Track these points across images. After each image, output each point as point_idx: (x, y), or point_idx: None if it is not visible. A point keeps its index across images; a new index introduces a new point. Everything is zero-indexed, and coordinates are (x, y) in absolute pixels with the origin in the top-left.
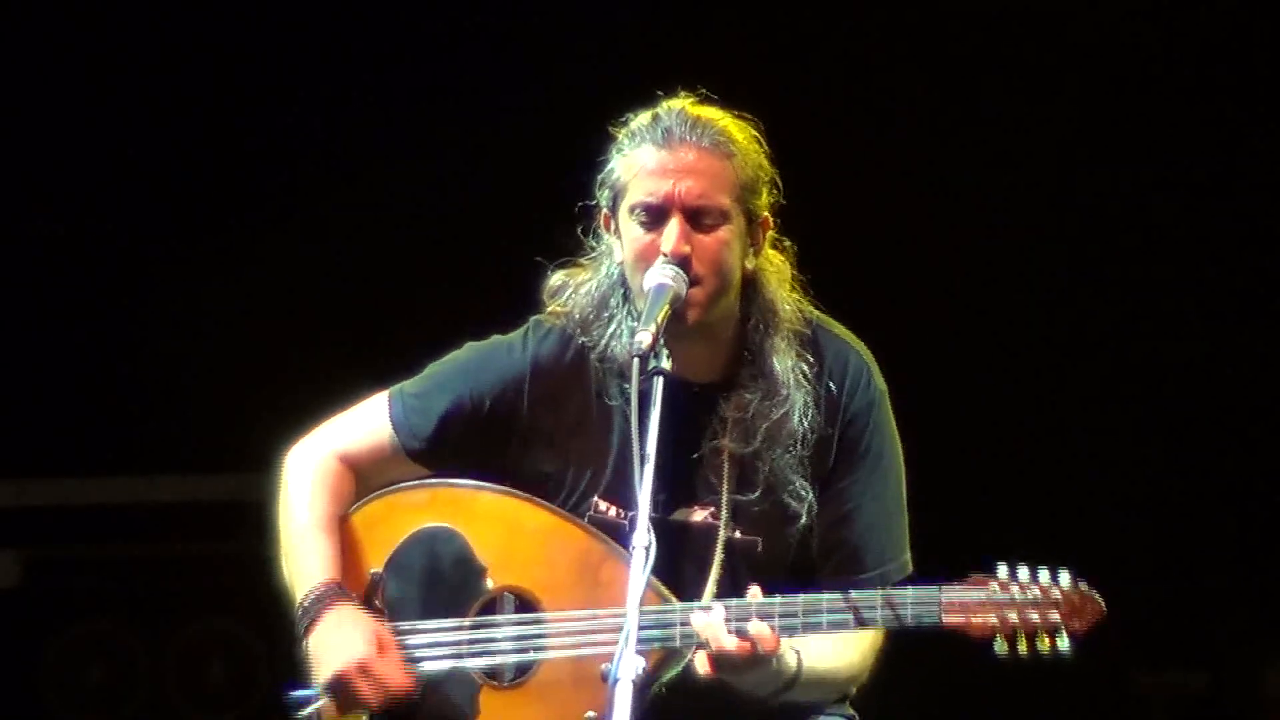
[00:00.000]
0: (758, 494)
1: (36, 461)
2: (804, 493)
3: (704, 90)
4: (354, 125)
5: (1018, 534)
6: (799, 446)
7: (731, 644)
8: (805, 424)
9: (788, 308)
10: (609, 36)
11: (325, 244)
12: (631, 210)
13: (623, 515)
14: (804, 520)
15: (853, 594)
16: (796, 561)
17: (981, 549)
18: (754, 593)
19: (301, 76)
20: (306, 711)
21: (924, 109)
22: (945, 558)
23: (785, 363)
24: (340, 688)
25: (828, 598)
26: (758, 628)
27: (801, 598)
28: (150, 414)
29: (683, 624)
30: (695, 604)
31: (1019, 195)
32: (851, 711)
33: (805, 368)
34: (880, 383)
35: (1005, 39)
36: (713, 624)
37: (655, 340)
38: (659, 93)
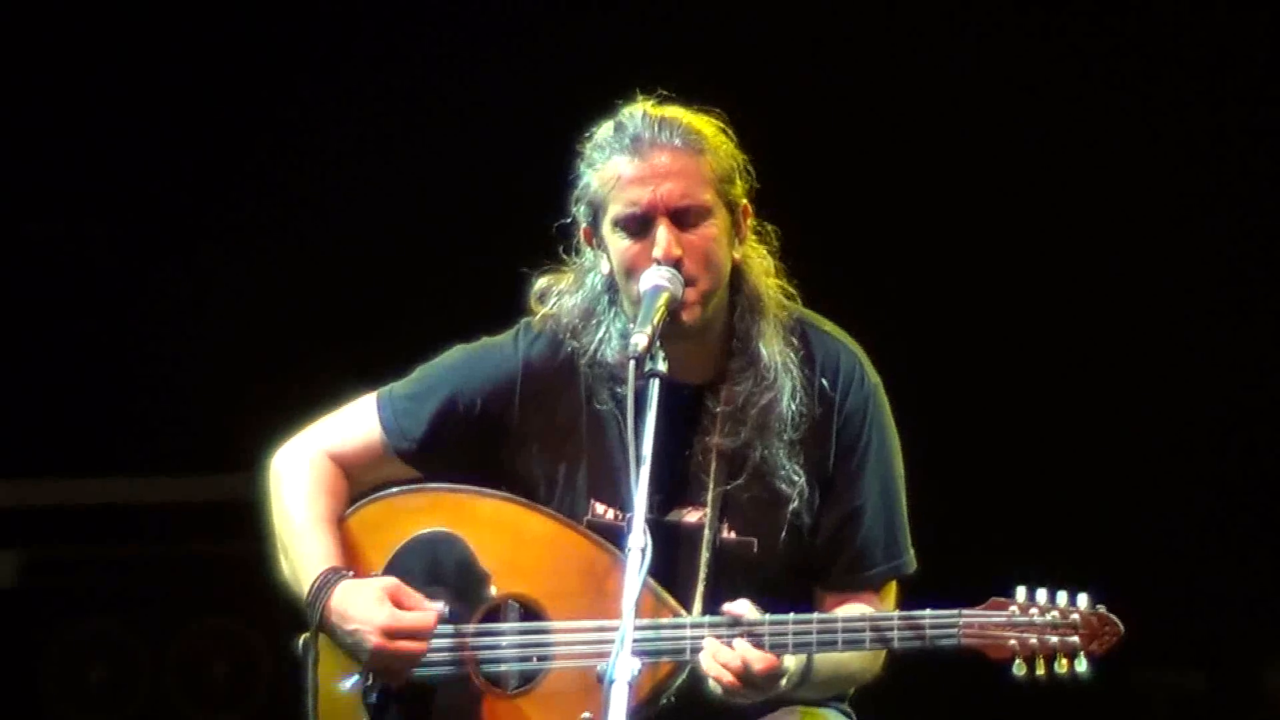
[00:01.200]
0: (749, 483)
1: (36, 461)
2: (795, 478)
3: (661, 90)
4: (344, 128)
5: (1018, 534)
6: (790, 431)
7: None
8: (795, 408)
9: (772, 294)
10: (595, 42)
11: (319, 245)
12: (615, 223)
13: (621, 518)
14: (795, 504)
15: (870, 613)
16: (794, 562)
17: (982, 549)
18: (742, 605)
19: (293, 79)
20: (353, 684)
21: (914, 96)
22: (947, 558)
23: (773, 348)
24: (381, 663)
25: (844, 617)
26: (744, 650)
27: (816, 616)
28: (150, 414)
29: (694, 639)
30: (705, 618)
31: (1024, 189)
32: (848, 709)
33: (792, 353)
34: (873, 376)
35: (993, 18)
36: (738, 654)
37: (651, 342)
38: (617, 101)
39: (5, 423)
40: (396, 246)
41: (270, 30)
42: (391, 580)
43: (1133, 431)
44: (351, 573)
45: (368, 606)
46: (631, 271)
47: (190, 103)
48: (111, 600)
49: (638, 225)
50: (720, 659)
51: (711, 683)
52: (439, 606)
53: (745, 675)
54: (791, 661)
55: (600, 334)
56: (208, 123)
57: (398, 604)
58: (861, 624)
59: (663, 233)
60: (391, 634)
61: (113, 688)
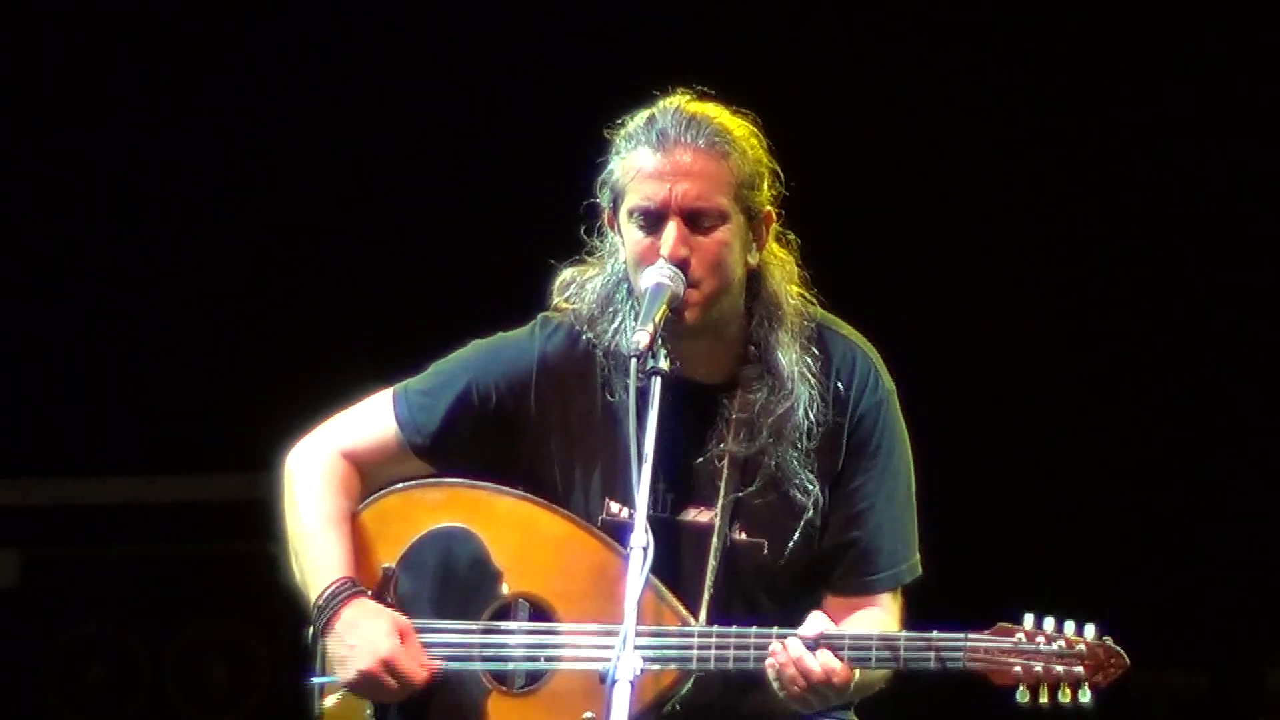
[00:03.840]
0: (762, 489)
1: (36, 461)
2: (810, 486)
3: (700, 86)
4: (357, 127)
5: (1018, 534)
6: (805, 440)
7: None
8: (811, 418)
9: (791, 302)
10: (616, 31)
11: (327, 242)
12: (630, 214)
13: (633, 516)
14: (810, 514)
15: (878, 631)
16: (803, 566)
17: (981, 550)
18: (817, 620)
19: (309, 75)
20: (329, 702)
21: (935, 101)
22: (946, 559)
23: (790, 356)
24: (366, 686)
25: (851, 633)
26: (826, 660)
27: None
28: (150, 414)
29: (700, 646)
30: (714, 628)
31: (1050, 208)
32: (854, 718)
33: (810, 361)
34: (888, 381)
35: (1013, 28)
36: (820, 663)
37: (653, 340)
38: (654, 92)
39: (5, 423)
40: (410, 242)
41: (288, 22)
42: (406, 621)
43: (1135, 433)
44: (370, 592)
45: (378, 632)
46: (641, 263)
47: (199, 100)
48: (111, 600)
49: (651, 220)
50: (803, 665)
51: (775, 686)
52: (437, 665)
53: (822, 685)
54: (857, 674)
55: (615, 324)
56: (214, 116)
57: (403, 640)
58: (868, 640)
59: (671, 231)
60: (389, 668)
61: (112, 688)
